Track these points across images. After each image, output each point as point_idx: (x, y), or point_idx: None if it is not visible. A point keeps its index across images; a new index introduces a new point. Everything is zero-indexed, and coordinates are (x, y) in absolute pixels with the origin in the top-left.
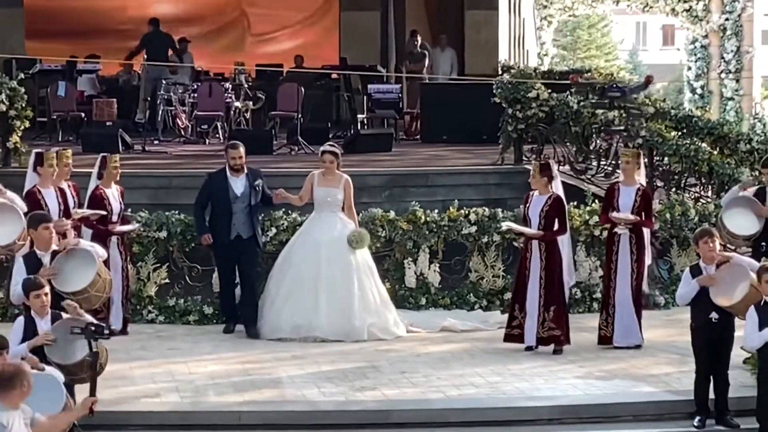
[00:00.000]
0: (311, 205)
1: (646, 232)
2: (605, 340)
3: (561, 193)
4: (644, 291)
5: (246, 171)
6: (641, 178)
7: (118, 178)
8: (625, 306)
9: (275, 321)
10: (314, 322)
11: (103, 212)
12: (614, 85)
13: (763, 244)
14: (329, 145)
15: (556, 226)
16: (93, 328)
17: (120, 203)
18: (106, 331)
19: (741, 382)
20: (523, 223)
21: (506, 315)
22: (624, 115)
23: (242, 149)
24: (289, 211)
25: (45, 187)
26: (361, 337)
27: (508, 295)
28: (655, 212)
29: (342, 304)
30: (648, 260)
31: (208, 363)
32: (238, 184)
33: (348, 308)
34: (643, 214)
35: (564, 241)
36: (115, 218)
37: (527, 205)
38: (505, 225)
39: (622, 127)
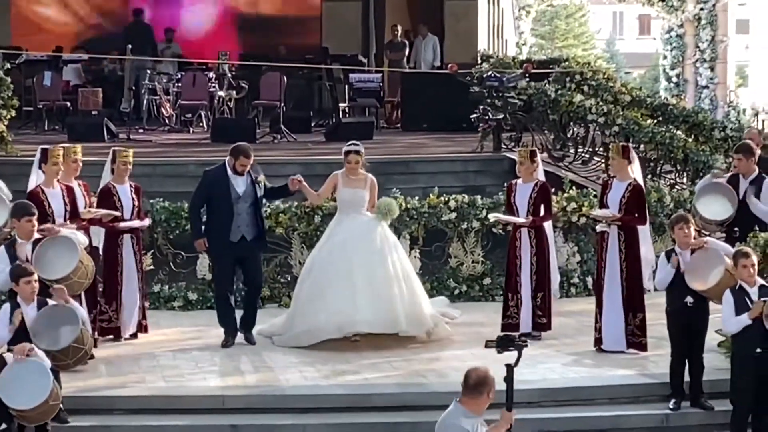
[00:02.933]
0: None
1: (641, 229)
2: (597, 342)
3: (543, 178)
4: (647, 289)
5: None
6: (635, 173)
7: (128, 174)
8: (615, 310)
9: (314, 324)
10: (356, 317)
11: (116, 213)
12: (492, 75)
13: (736, 229)
14: (353, 144)
15: (541, 212)
16: (516, 339)
17: (133, 200)
18: (525, 340)
19: (715, 365)
20: (508, 212)
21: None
22: (501, 103)
23: (252, 157)
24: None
25: (49, 186)
26: (402, 327)
27: (487, 281)
28: None
29: (382, 296)
30: (649, 256)
31: (192, 348)
32: (239, 183)
33: (389, 300)
34: (634, 211)
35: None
36: (127, 216)
37: (513, 194)
38: (492, 217)
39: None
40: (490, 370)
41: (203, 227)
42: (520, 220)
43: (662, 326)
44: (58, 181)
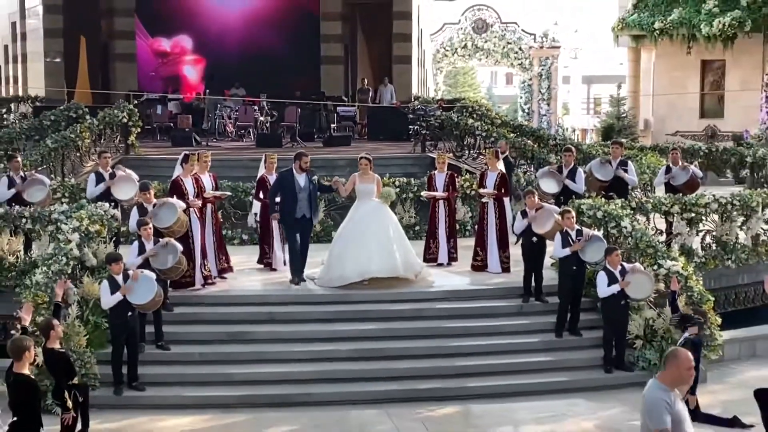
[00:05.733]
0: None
1: (506, 200)
2: (481, 268)
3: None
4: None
5: (306, 171)
6: (501, 166)
7: (275, 168)
8: (493, 248)
9: (342, 272)
10: (371, 267)
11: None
12: (420, 107)
13: (561, 198)
14: (365, 153)
15: (450, 191)
16: (693, 317)
17: None
18: (701, 318)
19: (550, 276)
20: (429, 190)
21: None
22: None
23: (309, 156)
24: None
25: (186, 176)
26: (400, 272)
27: (417, 228)
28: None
29: (387, 252)
30: (509, 216)
31: (245, 268)
32: (301, 180)
33: (391, 254)
34: (502, 188)
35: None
36: None
37: (433, 180)
38: (424, 193)
39: (483, 133)
40: (682, 350)
41: (277, 207)
42: (442, 194)
43: (518, 254)
44: (191, 174)
